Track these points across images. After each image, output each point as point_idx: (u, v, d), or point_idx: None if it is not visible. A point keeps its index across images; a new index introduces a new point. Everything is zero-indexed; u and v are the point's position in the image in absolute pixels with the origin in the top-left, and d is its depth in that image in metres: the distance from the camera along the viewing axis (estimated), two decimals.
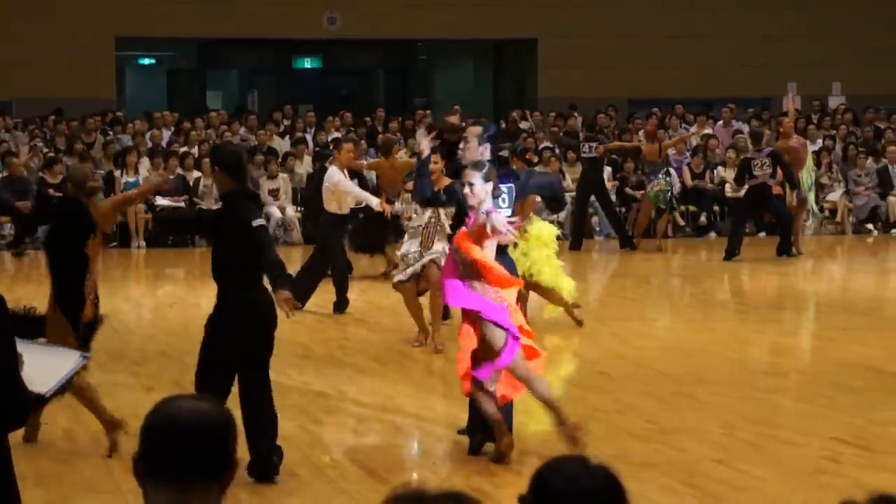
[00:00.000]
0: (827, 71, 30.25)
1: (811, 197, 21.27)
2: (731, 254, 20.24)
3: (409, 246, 12.39)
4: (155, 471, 3.09)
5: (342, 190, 15.10)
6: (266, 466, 8.22)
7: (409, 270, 12.32)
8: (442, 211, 12.11)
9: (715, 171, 25.34)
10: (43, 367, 7.47)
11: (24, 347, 5.82)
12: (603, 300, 17.39)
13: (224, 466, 3.12)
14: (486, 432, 8.70)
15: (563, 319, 13.93)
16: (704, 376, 11.38)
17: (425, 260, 12.25)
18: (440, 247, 12.10)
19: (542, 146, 25.38)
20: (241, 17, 28.68)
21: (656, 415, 9.89)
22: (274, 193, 23.65)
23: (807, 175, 20.97)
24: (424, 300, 12.66)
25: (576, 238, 22.52)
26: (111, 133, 25.99)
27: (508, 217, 8.66)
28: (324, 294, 15.84)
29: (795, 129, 23.08)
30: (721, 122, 27.68)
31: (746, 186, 20.56)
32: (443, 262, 12.00)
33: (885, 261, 22.05)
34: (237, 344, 8.12)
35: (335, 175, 15.09)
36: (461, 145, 9.22)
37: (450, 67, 34.21)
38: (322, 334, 13.97)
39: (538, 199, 11.62)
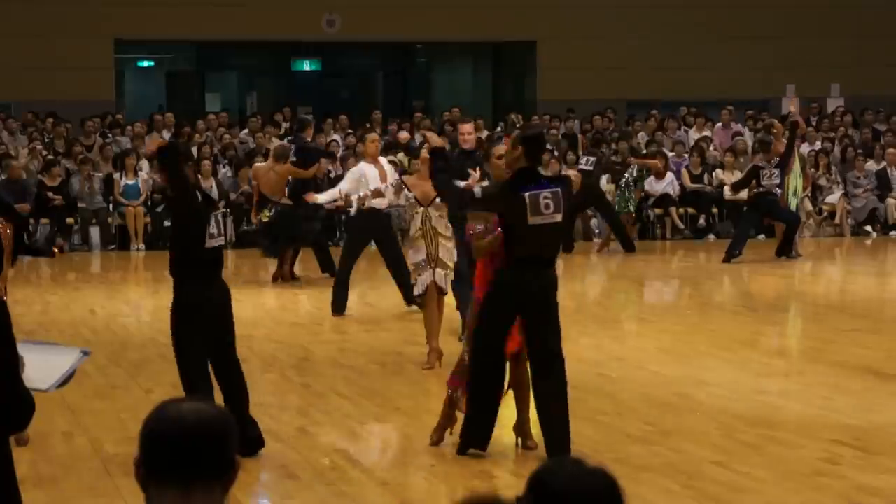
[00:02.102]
0: (825, 72, 30.26)
1: (795, 202, 21.11)
2: (731, 255, 20.24)
3: (416, 256, 12.04)
4: (157, 474, 3.09)
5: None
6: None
7: (421, 280, 11.95)
8: (433, 212, 11.98)
9: (714, 174, 25.36)
10: (43, 364, 7.49)
11: (24, 347, 5.83)
12: (602, 302, 17.40)
13: (226, 467, 3.12)
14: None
15: (563, 320, 13.91)
16: (703, 378, 11.39)
17: (429, 279, 11.96)
18: (446, 254, 11.93)
19: None
20: (241, 19, 28.68)
21: (655, 417, 9.90)
22: None
23: (793, 180, 20.82)
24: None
25: (566, 242, 22.42)
26: (110, 135, 26.01)
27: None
28: (322, 296, 15.85)
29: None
30: (720, 125, 27.72)
31: (754, 192, 20.49)
32: (447, 278, 11.92)
33: (883, 263, 22.07)
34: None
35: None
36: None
37: (449, 70, 34.21)
38: (321, 336, 13.97)
39: None
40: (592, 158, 22.72)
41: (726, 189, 24.77)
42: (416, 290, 12.06)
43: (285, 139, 18.91)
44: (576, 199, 22.85)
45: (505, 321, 8.68)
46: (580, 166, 22.77)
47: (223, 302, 8.89)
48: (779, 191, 20.25)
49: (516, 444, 9.00)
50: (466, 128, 12.96)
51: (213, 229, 8.74)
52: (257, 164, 19.68)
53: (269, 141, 25.83)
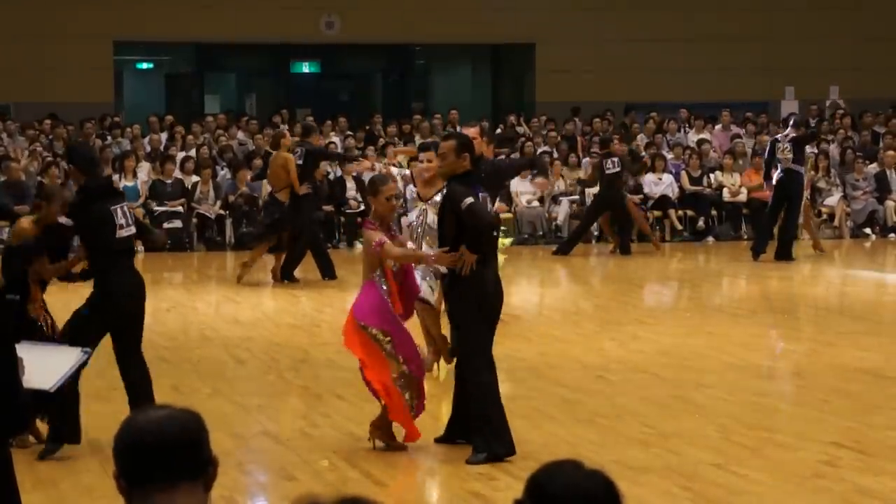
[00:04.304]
0: (825, 75, 30.25)
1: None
2: (758, 252, 20.36)
3: None
4: (139, 483, 3.12)
5: None
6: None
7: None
8: (430, 210, 11.89)
9: (712, 176, 25.36)
10: (44, 365, 7.50)
11: (24, 348, 5.83)
12: (600, 304, 17.39)
13: (204, 465, 3.16)
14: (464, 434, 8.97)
15: (562, 323, 13.92)
16: (702, 380, 11.38)
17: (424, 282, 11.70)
18: (428, 249, 11.84)
19: (539, 150, 25.45)
20: (240, 21, 28.68)
21: (654, 419, 9.90)
22: None
23: None
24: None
25: (569, 244, 22.22)
26: (109, 137, 26.02)
27: None
28: (321, 298, 15.85)
29: None
30: (719, 127, 27.72)
31: (779, 170, 20.35)
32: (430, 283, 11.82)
33: (882, 265, 22.07)
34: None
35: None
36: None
37: (448, 72, 34.20)
38: (320, 338, 13.97)
39: None
40: (616, 158, 22.08)
41: (725, 191, 24.77)
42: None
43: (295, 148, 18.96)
44: (600, 203, 22.58)
45: (493, 324, 8.93)
46: (608, 170, 21.81)
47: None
48: (802, 169, 20.20)
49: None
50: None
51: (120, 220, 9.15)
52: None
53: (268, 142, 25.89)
